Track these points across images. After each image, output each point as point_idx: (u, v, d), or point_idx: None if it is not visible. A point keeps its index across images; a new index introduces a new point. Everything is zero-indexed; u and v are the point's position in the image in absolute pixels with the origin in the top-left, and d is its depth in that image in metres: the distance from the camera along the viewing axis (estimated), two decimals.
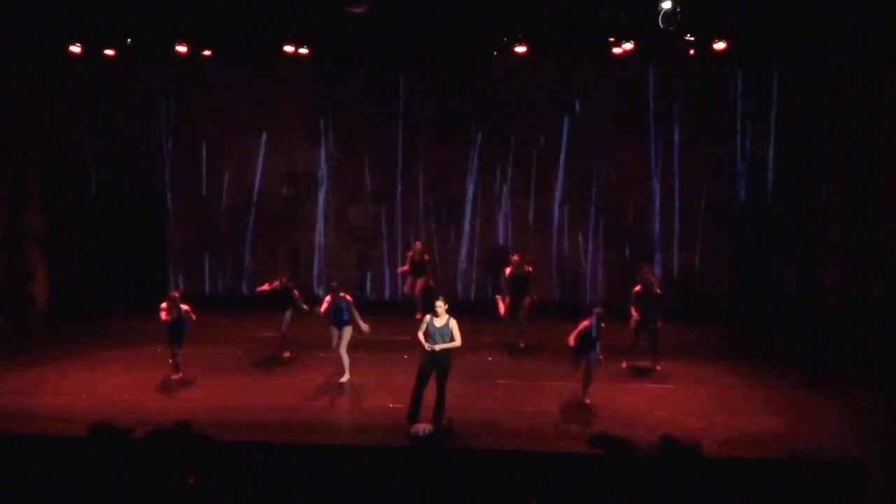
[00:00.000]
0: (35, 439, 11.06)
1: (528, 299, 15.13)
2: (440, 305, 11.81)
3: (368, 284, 18.59)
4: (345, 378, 13.50)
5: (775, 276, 17.80)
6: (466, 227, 18.47)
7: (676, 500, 9.50)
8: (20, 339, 15.90)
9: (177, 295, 13.73)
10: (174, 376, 13.61)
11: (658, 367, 14.17)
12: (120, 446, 10.38)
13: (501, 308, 15.12)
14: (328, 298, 13.64)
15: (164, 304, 13.43)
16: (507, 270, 15.31)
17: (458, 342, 11.78)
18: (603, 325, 12.50)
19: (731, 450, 11.09)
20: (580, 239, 18.35)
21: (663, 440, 10.70)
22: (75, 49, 14.99)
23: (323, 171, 18.56)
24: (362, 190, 18.56)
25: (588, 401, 12.70)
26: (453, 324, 11.78)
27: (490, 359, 14.77)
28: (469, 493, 9.86)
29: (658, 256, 18.18)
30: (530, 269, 15.30)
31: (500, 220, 18.42)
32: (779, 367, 14.37)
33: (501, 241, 18.39)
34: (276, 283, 14.69)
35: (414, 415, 11.80)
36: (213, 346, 14.87)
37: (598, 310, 12.67)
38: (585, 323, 12.48)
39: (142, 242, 18.54)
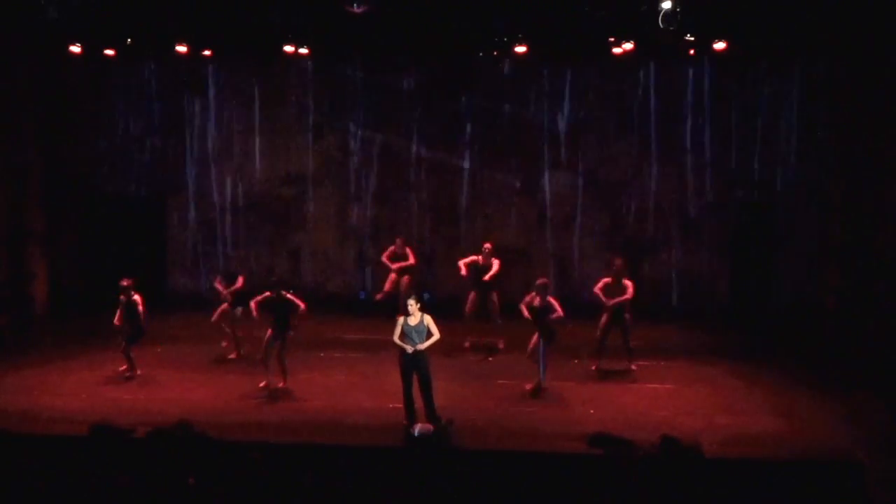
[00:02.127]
0: (35, 439, 11.06)
1: (494, 295, 14.93)
2: (412, 304, 11.75)
3: (368, 284, 18.57)
4: (280, 384, 13.14)
5: (775, 276, 17.82)
6: (466, 226, 18.48)
7: (676, 500, 9.50)
8: (20, 339, 15.90)
9: (127, 284, 13.50)
10: (129, 374, 13.55)
11: (633, 367, 14.03)
12: (120, 446, 10.38)
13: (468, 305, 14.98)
14: (266, 294, 13.10)
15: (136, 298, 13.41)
16: (475, 260, 14.98)
17: (436, 336, 11.74)
18: (551, 298, 12.74)
19: (731, 450, 11.08)
20: (579, 238, 18.35)
21: (663, 440, 10.71)
22: (75, 49, 14.99)
23: (322, 171, 18.57)
24: (362, 190, 18.57)
25: (545, 385, 12.88)
26: (428, 319, 11.70)
27: (490, 359, 14.76)
28: (469, 493, 9.85)
29: (657, 256, 18.21)
30: (496, 261, 14.96)
31: (500, 219, 18.41)
32: (779, 367, 14.36)
33: (501, 242, 18.37)
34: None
35: (410, 416, 11.81)
36: (214, 346, 14.85)
37: (540, 280, 12.98)
38: (532, 294, 12.90)
39: (142, 242, 18.56)
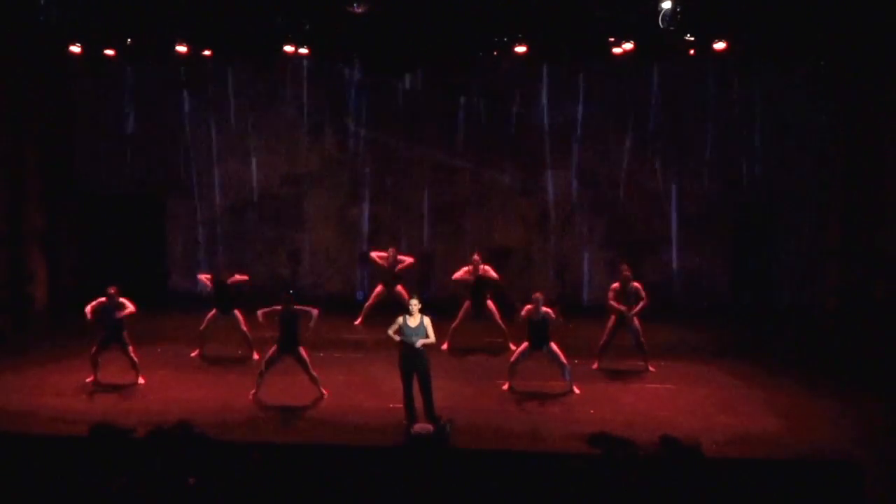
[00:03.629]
0: (35, 439, 11.06)
1: (490, 303, 14.81)
2: (415, 304, 11.80)
3: (367, 284, 18.55)
4: (326, 392, 12.91)
5: (775, 276, 17.81)
6: (466, 226, 18.47)
7: (676, 500, 9.49)
8: (20, 339, 15.90)
9: (113, 291, 13.19)
10: (90, 379, 13.33)
11: (651, 369, 14.08)
12: (120, 446, 10.37)
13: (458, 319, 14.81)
14: (277, 308, 12.71)
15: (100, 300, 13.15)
16: (468, 271, 14.81)
17: (432, 339, 11.84)
18: (546, 309, 12.69)
19: (731, 450, 11.09)
20: (580, 238, 18.36)
21: (663, 440, 10.71)
22: (75, 49, 14.98)
23: (322, 171, 18.57)
24: (362, 190, 18.58)
25: (577, 390, 12.94)
26: (427, 321, 11.78)
27: (490, 359, 14.75)
28: (469, 493, 9.85)
29: (658, 256, 18.21)
30: (485, 267, 14.81)
31: (500, 219, 18.41)
32: (779, 367, 14.37)
33: (501, 242, 18.38)
34: (212, 277, 14.56)
35: (410, 417, 11.81)
36: (213, 346, 14.85)
37: (536, 294, 12.95)
38: (528, 307, 12.81)
39: (141, 242, 18.57)
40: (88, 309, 13.26)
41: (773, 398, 13.03)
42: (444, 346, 14.65)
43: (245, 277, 14.90)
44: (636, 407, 12.67)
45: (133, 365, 13.36)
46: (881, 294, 14.60)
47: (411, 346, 11.72)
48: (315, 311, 12.90)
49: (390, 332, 11.86)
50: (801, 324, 16.53)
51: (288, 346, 12.71)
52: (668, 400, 13.00)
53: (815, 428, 11.96)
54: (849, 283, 15.63)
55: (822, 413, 12.48)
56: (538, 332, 12.83)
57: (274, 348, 12.84)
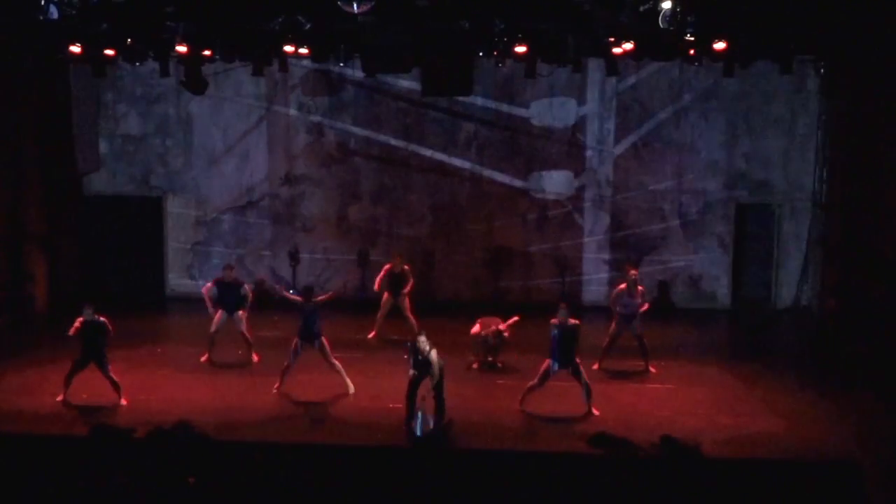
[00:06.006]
0: (35, 439, 11.06)
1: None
2: (422, 342, 11.76)
3: (367, 284, 18.53)
4: (351, 389, 13.09)
5: (775, 276, 17.82)
6: (466, 226, 18.46)
7: (676, 500, 9.51)
8: (20, 339, 15.89)
9: (89, 307, 12.67)
10: (59, 398, 12.76)
11: (652, 370, 14.08)
12: (120, 446, 10.39)
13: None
14: (297, 299, 12.97)
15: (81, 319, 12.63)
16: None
17: (436, 378, 11.71)
18: (574, 320, 12.35)
19: (731, 450, 11.10)
20: (580, 239, 18.35)
21: (663, 440, 10.72)
22: (75, 49, 14.97)
23: (322, 171, 18.57)
24: (362, 190, 18.57)
25: (596, 412, 12.42)
26: (433, 355, 11.71)
27: (490, 359, 14.74)
28: (469, 493, 9.86)
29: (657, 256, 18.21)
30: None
31: (500, 219, 18.40)
32: (779, 367, 14.37)
33: (501, 242, 18.38)
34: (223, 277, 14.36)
35: (411, 419, 11.81)
36: (213, 346, 14.83)
37: (562, 304, 12.69)
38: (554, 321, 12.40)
39: (141, 243, 18.56)
40: (72, 331, 12.68)
41: (773, 398, 13.03)
42: (475, 365, 14.41)
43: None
44: (636, 407, 12.67)
45: (113, 385, 12.67)
46: (881, 294, 14.59)
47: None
48: (331, 294, 13.36)
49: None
50: (801, 324, 16.53)
51: (308, 336, 12.93)
52: (668, 400, 13.00)
53: (815, 428, 11.96)
54: (849, 283, 15.63)
55: (822, 413, 12.48)
56: (565, 346, 12.27)
57: (296, 341, 12.97)
